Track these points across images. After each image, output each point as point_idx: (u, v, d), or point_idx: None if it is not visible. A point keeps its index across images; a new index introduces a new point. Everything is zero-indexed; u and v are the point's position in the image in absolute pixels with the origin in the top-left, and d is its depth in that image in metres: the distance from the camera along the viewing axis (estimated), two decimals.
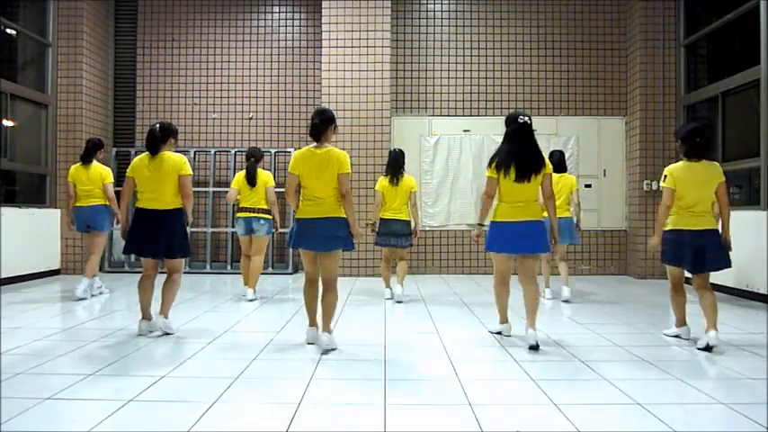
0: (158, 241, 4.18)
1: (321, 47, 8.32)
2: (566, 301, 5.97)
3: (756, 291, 6.04)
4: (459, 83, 8.88)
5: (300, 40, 9.09)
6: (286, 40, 9.10)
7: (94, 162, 6.04)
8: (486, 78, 8.88)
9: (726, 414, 2.73)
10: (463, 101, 8.86)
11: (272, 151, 8.70)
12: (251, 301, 5.90)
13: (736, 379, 3.34)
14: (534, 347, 3.87)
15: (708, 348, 3.86)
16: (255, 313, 5.33)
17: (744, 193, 7.26)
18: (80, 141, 8.14)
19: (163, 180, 4.19)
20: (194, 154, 8.80)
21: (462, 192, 8.70)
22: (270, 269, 8.41)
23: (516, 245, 4.03)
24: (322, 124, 3.85)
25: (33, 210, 7.65)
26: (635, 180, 8.37)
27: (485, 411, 2.71)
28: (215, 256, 8.73)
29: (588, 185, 8.71)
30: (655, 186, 8.15)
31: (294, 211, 4.05)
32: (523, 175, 3.95)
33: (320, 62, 8.47)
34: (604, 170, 8.76)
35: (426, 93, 8.86)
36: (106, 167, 6.16)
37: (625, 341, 4.19)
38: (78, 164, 6.08)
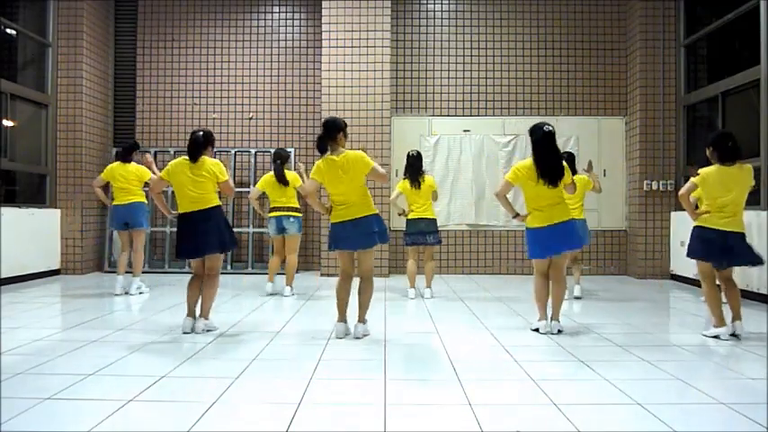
0: (210, 237, 4.31)
1: (321, 47, 8.32)
2: (577, 298, 6.13)
3: (756, 291, 6.04)
4: (459, 83, 8.88)
5: (300, 40, 9.09)
6: (286, 40, 9.10)
7: (132, 162, 6.24)
8: (486, 78, 8.88)
9: (726, 414, 2.73)
10: (463, 101, 8.86)
11: (272, 151, 8.69)
12: (287, 296, 6.17)
13: (736, 379, 3.34)
14: (559, 332, 4.34)
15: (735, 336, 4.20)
16: (255, 313, 5.33)
17: None
18: (80, 141, 8.17)
19: (203, 183, 4.33)
20: None
21: (462, 192, 8.70)
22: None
23: (555, 246, 4.31)
24: (326, 136, 4.14)
25: (33, 210, 7.65)
26: (635, 180, 8.37)
27: (485, 411, 2.71)
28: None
29: None
30: (655, 186, 8.16)
31: (326, 216, 4.31)
32: (553, 182, 4.27)
33: (320, 62, 8.47)
34: (604, 170, 8.75)
35: (426, 93, 8.86)
36: (144, 167, 6.31)
37: (625, 341, 4.19)
38: (116, 162, 6.31)
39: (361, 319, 4.24)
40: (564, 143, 8.62)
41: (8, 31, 7.80)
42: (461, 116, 8.81)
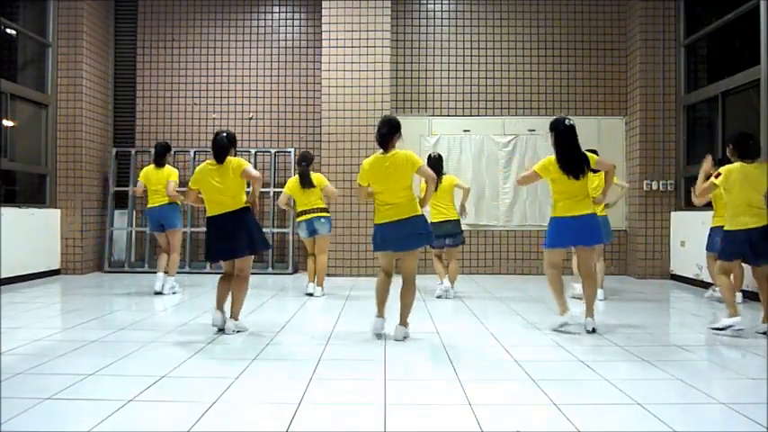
0: (240, 241, 4.30)
1: (321, 47, 8.32)
2: (579, 298, 6.00)
3: (756, 291, 6.02)
4: (459, 83, 8.88)
5: (300, 40, 9.09)
6: (286, 40, 9.10)
7: (167, 165, 6.30)
8: (486, 78, 8.88)
9: (726, 414, 2.73)
10: (463, 101, 8.86)
11: (273, 151, 8.71)
12: (318, 297, 6.19)
13: (736, 379, 3.34)
14: (593, 331, 4.36)
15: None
16: (255, 313, 5.33)
17: None
18: (80, 141, 8.17)
19: (231, 184, 4.34)
20: (194, 154, 8.80)
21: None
22: (270, 269, 8.41)
23: (577, 237, 4.40)
24: (389, 134, 4.16)
25: (33, 210, 7.65)
26: (635, 180, 8.37)
27: (485, 411, 2.71)
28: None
29: None
30: (655, 186, 8.16)
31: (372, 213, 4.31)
32: (577, 175, 4.32)
33: (320, 62, 8.47)
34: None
35: (426, 93, 8.86)
36: (174, 169, 6.36)
37: (625, 341, 4.19)
38: (151, 166, 6.36)
39: (403, 322, 4.20)
40: None
41: (8, 31, 7.79)
42: (461, 116, 8.81)
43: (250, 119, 9.07)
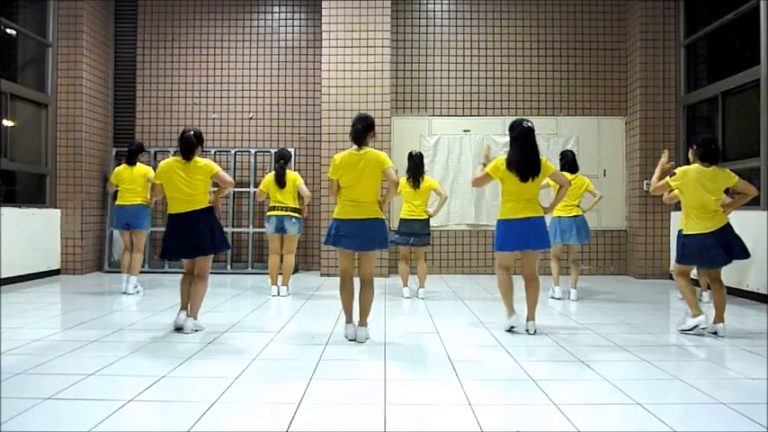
0: (203, 240, 4.36)
1: (321, 47, 8.31)
2: (575, 300, 6.06)
3: (756, 291, 6.04)
4: (459, 83, 8.88)
5: (300, 40, 9.09)
6: (286, 40, 9.10)
7: (138, 164, 6.39)
8: (486, 78, 8.88)
9: (726, 414, 2.73)
10: (463, 101, 8.86)
11: (273, 151, 8.69)
12: (283, 296, 6.25)
13: (736, 379, 3.34)
14: (533, 333, 4.36)
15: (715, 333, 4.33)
16: (255, 314, 5.33)
17: None
18: (80, 141, 8.17)
19: (197, 183, 4.37)
20: None
21: (462, 192, 8.69)
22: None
23: (524, 241, 4.33)
24: (364, 130, 4.12)
25: (33, 210, 7.65)
26: (635, 180, 8.37)
27: (485, 411, 2.71)
28: (215, 257, 8.72)
29: None
30: None
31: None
32: (526, 177, 4.28)
33: (320, 62, 8.46)
34: (604, 170, 8.77)
35: (426, 93, 8.86)
36: (148, 167, 6.48)
37: (625, 341, 4.19)
38: (123, 166, 6.45)
39: (363, 323, 4.19)
40: (564, 143, 8.64)
41: (8, 31, 7.79)
42: (461, 116, 8.81)
43: (250, 119, 9.07)
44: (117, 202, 6.40)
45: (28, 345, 3.93)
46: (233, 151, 8.80)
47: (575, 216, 6.02)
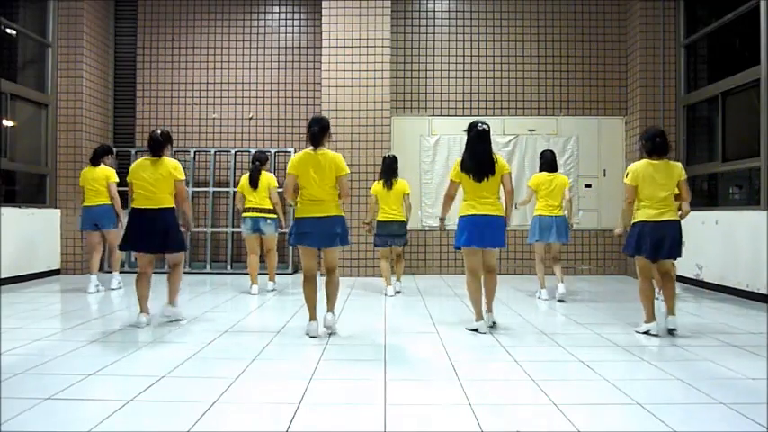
0: (155, 237, 4.53)
1: (321, 47, 8.31)
2: (561, 300, 5.97)
3: (756, 291, 6.04)
4: (459, 83, 8.88)
5: (300, 40, 9.09)
6: (286, 40, 9.10)
7: (102, 165, 6.48)
8: (486, 78, 8.88)
9: (726, 414, 2.73)
10: (463, 101, 8.86)
11: (273, 151, 8.70)
12: (270, 291, 6.48)
13: (735, 379, 3.34)
14: (493, 325, 4.53)
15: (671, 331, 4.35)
16: (255, 314, 5.34)
17: (744, 193, 7.26)
18: (80, 141, 8.17)
19: (161, 181, 4.57)
20: (194, 154, 8.80)
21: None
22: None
23: (481, 237, 4.37)
24: (321, 132, 4.24)
25: (33, 210, 7.65)
26: None
27: (485, 411, 2.71)
28: (215, 256, 8.74)
29: (588, 185, 8.71)
30: None
31: (294, 210, 4.38)
32: (480, 177, 4.38)
33: (320, 62, 8.47)
34: (604, 170, 8.77)
35: (426, 93, 8.86)
36: (111, 169, 6.55)
37: (625, 341, 4.19)
38: (87, 168, 6.55)
39: (330, 309, 4.35)
40: (564, 143, 8.65)
41: (8, 31, 7.79)
42: (461, 116, 8.80)
43: (250, 119, 9.07)
44: (83, 204, 6.47)
45: (28, 345, 3.93)
46: (233, 151, 8.80)
47: (555, 216, 6.02)
